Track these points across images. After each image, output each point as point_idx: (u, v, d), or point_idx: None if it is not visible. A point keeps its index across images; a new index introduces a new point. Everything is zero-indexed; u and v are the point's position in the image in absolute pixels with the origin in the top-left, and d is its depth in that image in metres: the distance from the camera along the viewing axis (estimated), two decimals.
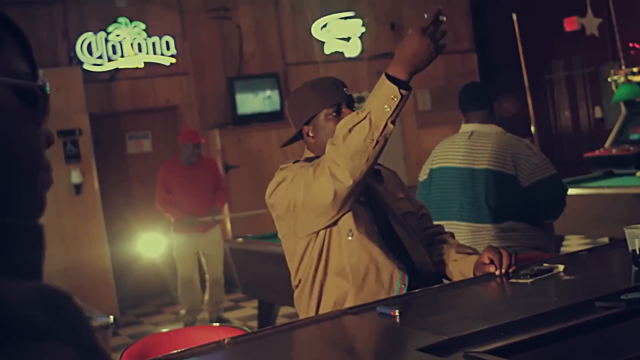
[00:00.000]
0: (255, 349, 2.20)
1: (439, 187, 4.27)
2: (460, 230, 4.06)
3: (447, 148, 4.35)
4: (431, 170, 4.37)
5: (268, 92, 10.09)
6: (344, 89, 2.84)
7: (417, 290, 2.61)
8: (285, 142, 3.08)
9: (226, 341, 2.22)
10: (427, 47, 2.45)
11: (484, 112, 4.30)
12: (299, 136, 2.96)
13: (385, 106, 2.46)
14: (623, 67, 9.18)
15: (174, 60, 9.92)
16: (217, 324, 3.93)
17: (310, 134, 2.86)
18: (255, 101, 10.02)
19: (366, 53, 10.69)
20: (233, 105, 9.91)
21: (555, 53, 12.55)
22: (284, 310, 7.24)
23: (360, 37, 10.85)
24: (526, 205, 4.04)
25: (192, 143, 7.65)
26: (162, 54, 9.85)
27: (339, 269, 2.72)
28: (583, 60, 12.26)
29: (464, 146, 4.22)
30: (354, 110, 2.78)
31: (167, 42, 9.88)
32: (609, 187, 7.65)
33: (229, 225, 9.13)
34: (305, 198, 2.64)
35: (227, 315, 8.18)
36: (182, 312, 7.98)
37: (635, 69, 9.13)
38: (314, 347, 2.18)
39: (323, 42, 10.63)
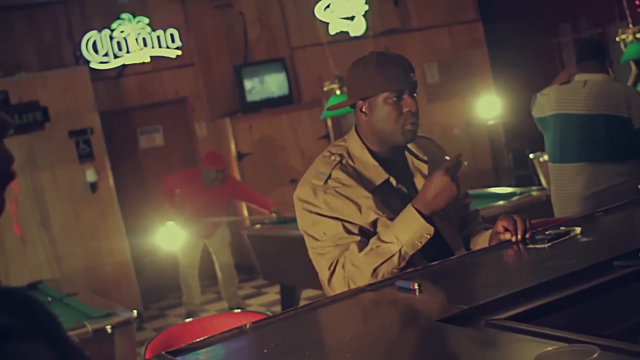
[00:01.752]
0: (278, 331, 2.21)
1: (560, 131, 4.76)
2: (579, 170, 4.62)
3: (565, 96, 4.77)
4: (550, 116, 4.84)
5: (276, 77, 10.07)
6: (411, 75, 2.73)
7: (435, 263, 2.61)
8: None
9: (248, 326, 2.23)
10: (449, 187, 2.59)
11: (595, 62, 4.76)
12: (350, 106, 2.88)
13: (417, 242, 2.60)
14: (630, 25, 9.08)
15: (179, 52, 9.92)
16: (239, 310, 3.93)
17: (364, 110, 2.77)
18: (263, 87, 10.01)
19: (371, 31, 10.65)
20: (242, 92, 9.91)
21: (562, 16, 12.45)
22: (306, 293, 7.26)
23: (364, 15, 10.81)
24: (638, 145, 4.51)
25: (215, 169, 7.62)
26: (167, 47, 9.86)
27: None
28: (590, 21, 12.15)
29: (581, 94, 4.67)
30: (415, 98, 2.74)
31: (171, 35, 9.88)
32: None
33: (245, 212, 9.14)
34: (324, 280, 2.76)
35: (249, 302, 8.22)
36: (184, 298, 8.04)
37: None
38: (335, 325, 2.19)
39: (327, 23, 10.59)
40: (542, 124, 4.99)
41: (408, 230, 2.58)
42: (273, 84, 10.06)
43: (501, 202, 6.03)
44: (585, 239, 2.54)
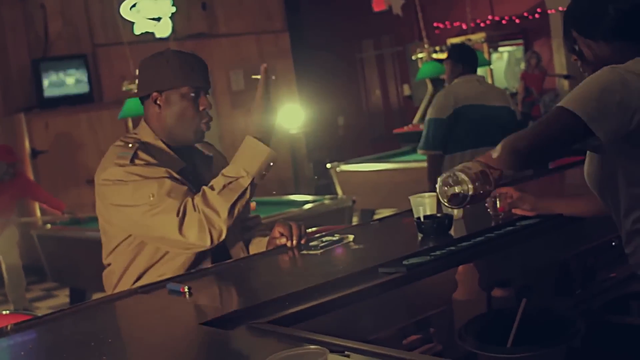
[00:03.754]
0: (41, 333, 2.13)
1: (477, 120, 5.12)
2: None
3: (470, 91, 5.19)
4: (464, 107, 5.15)
5: (76, 74, 9.79)
6: (208, 76, 2.75)
7: (210, 267, 2.61)
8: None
9: (9, 327, 2.14)
10: (271, 105, 2.66)
11: (473, 67, 5.35)
12: (140, 97, 2.80)
13: (264, 171, 2.63)
14: (426, 45, 9.51)
15: None
16: (6, 312, 3.77)
17: (159, 103, 2.71)
18: (62, 84, 9.71)
19: (177, 33, 10.55)
20: (39, 88, 9.56)
21: (366, 33, 12.85)
22: (97, 296, 7.06)
23: (171, 17, 10.69)
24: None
25: (6, 162, 7.23)
26: None
27: (161, 273, 2.67)
28: (392, 39, 12.61)
29: (481, 89, 5.22)
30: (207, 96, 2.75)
31: None
32: (415, 161, 7.92)
33: (38, 212, 8.81)
34: (170, 235, 2.58)
35: (38, 304, 7.92)
36: None
37: (437, 48, 9.49)
38: (99, 327, 2.13)
39: (133, 23, 10.40)
40: (453, 116, 5.19)
41: (256, 161, 2.60)
42: (73, 81, 9.78)
43: (294, 209, 6.13)
44: (357, 247, 2.61)
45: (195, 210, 2.54)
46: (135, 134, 2.81)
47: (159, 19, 10.60)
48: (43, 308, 7.77)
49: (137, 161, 2.64)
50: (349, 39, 12.89)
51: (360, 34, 12.85)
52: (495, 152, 2.05)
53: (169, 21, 10.65)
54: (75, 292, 7.07)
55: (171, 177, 2.62)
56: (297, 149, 11.78)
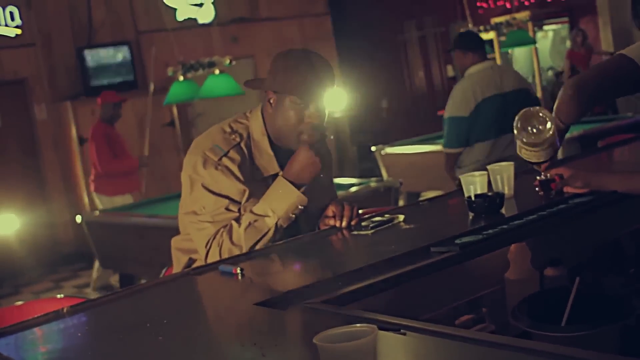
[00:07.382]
0: (96, 315, 2.16)
1: (495, 111, 5.04)
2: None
3: (485, 82, 5.09)
4: (483, 100, 5.05)
5: (120, 61, 9.86)
6: (327, 88, 2.69)
7: (261, 248, 2.62)
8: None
9: (65, 310, 2.16)
10: (314, 162, 2.67)
11: (483, 51, 5.30)
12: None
13: (292, 214, 2.64)
14: (470, 25, 9.42)
15: (19, 31, 9.55)
16: (61, 295, 3.80)
17: (271, 102, 2.73)
18: (107, 71, 9.78)
19: (220, 19, 10.57)
20: (85, 75, 9.64)
21: (408, 14, 12.76)
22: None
23: (213, 3, 10.72)
24: None
25: (112, 102, 7.76)
26: (6, 25, 9.46)
27: None
28: (434, 20, 12.50)
29: (495, 76, 5.13)
30: (323, 109, 2.72)
31: (11, 13, 9.50)
32: None
33: (86, 200, 8.91)
34: (200, 252, 2.70)
35: (88, 290, 8.00)
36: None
37: (482, 27, 9.39)
38: (154, 309, 2.15)
39: (175, 9, 10.45)
40: (475, 112, 5.10)
41: (283, 202, 2.62)
42: (118, 68, 9.85)
43: (341, 192, 6.13)
44: (407, 226, 2.60)
45: (218, 246, 2.62)
46: (247, 119, 2.83)
47: (201, 5, 10.63)
48: (93, 294, 7.86)
49: (224, 160, 2.69)
50: (391, 20, 12.80)
51: (402, 15, 12.76)
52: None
53: (211, 6, 10.68)
54: (125, 278, 7.15)
55: (230, 200, 2.67)
56: (340, 132, 11.76)
